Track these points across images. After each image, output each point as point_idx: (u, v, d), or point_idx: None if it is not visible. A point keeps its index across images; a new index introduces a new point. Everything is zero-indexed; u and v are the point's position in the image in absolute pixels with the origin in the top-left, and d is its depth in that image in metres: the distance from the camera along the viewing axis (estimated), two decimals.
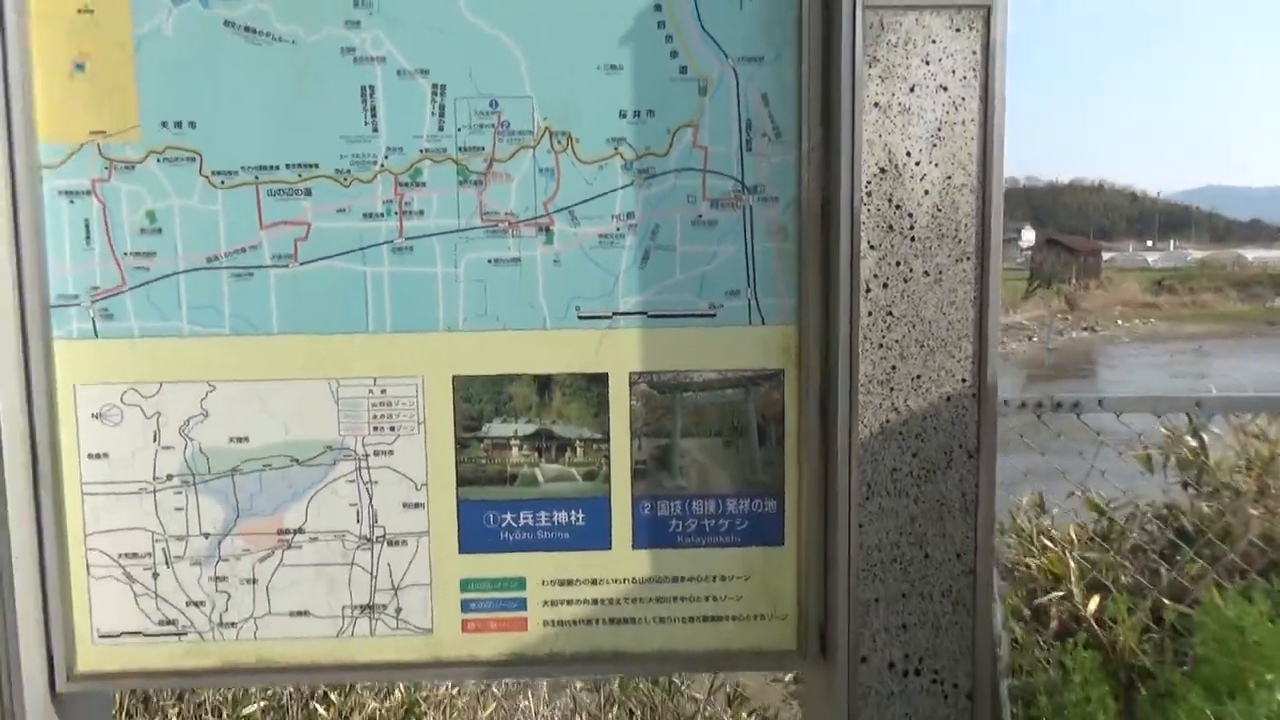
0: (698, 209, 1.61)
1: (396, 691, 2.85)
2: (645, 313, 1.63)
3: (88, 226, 1.61)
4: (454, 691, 3.06)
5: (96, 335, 1.63)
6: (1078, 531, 2.84)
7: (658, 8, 1.58)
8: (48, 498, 1.62)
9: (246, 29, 1.59)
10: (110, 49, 1.59)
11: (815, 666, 1.69)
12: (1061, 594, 2.64)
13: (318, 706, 2.76)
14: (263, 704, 2.81)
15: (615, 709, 3.03)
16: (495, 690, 3.08)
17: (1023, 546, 3.02)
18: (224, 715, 2.75)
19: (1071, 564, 2.66)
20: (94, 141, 1.60)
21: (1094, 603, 2.65)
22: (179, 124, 1.60)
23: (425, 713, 2.89)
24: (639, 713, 2.94)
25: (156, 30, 1.58)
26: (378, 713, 2.87)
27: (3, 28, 1.54)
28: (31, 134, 1.58)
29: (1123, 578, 2.68)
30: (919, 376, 1.56)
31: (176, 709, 2.77)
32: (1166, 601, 2.64)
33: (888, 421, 1.57)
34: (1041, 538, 2.97)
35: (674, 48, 1.59)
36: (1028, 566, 2.93)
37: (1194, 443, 2.78)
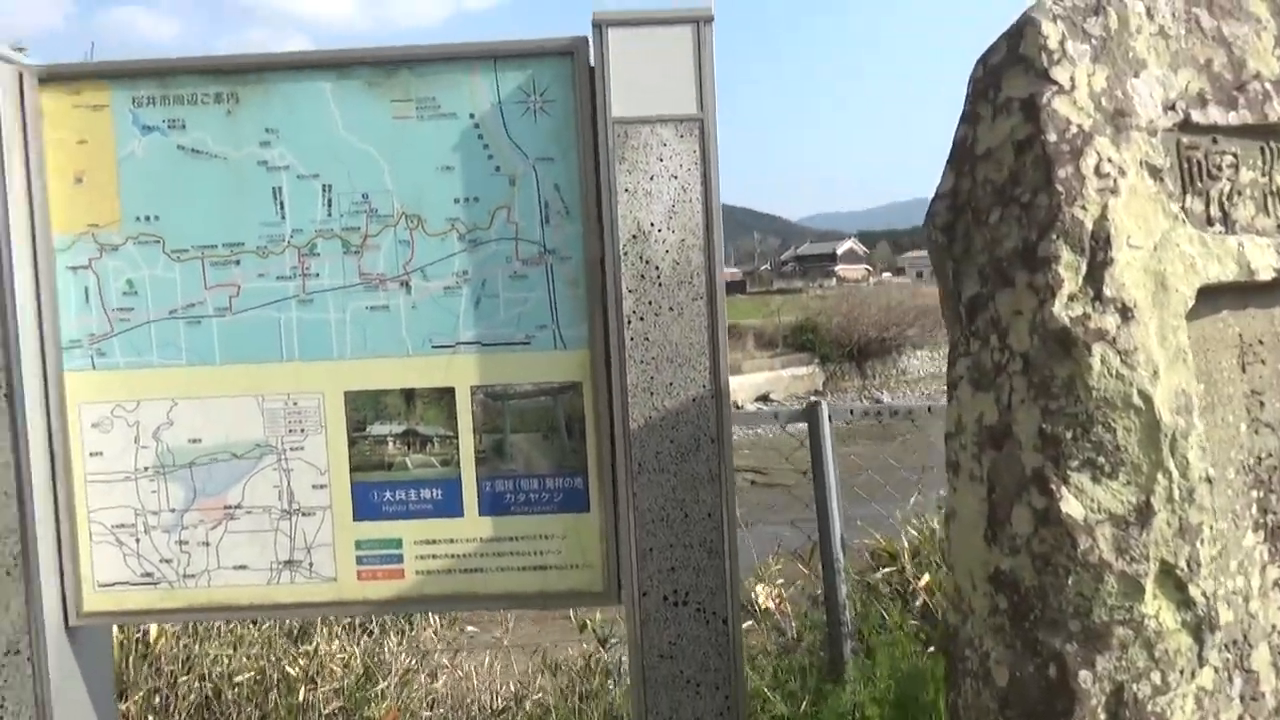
0: (513, 266, 2.23)
1: (354, 661, 3.47)
2: (480, 342, 2.24)
3: (86, 292, 2.28)
4: (411, 663, 3.68)
5: (94, 368, 2.29)
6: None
7: (476, 125, 2.20)
8: (62, 484, 2.27)
9: (193, 150, 2.25)
10: (100, 167, 2.26)
11: (615, 601, 2.27)
12: (896, 569, 3.18)
13: (290, 669, 3.38)
14: (251, 674, 3.45)
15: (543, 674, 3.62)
16: (444, 660, 3.69)
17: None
18: (221, 678, 3.40)
19: (905, 544, 3.20)
20: (90, 232, 2.27)
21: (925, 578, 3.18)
22: (148, 217, 2.26)
23: (382, 677, 3.50)
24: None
25: (132, 153, 2.25)
26: (343, 681, 3.48)
27: (27, 157, 2.22)
28: (47, 227, 2.26)
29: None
30: (671, 384, 2.15)
31: (186, 677, 3.42)
32: None
33: (650, 417, 2.16)
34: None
35: (490, 153, 2.21)
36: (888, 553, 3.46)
37: None
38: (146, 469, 2.30)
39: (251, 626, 3.57)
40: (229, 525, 2.29)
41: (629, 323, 2.14)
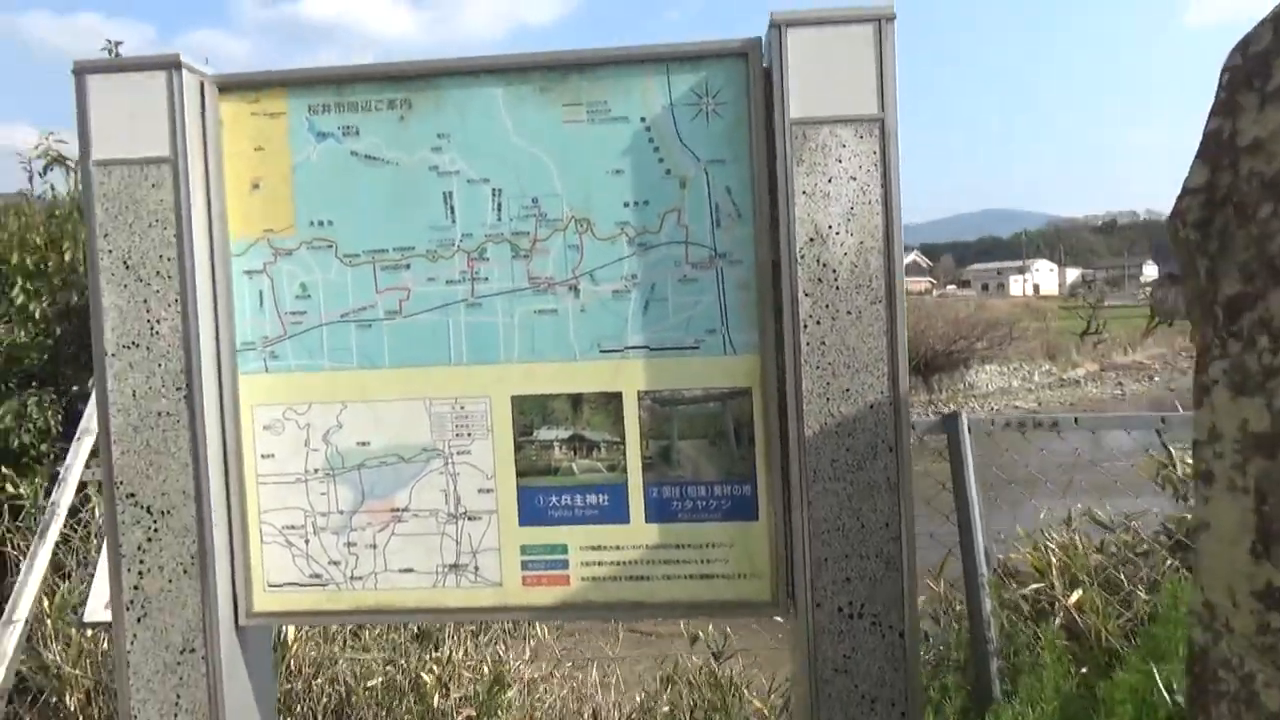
0: (683, 270, 2.20)
1: (485, 666, 3.47)
2: (648, 347, 2.22)
3: (261, 295, 2.32)
4: (535, 673, 3.67)
5: (267, 371, 2.32)
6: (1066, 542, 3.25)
7: (647, 128, 2.19)
8: (235, 486, 2.31)
9: (366, 156, 2.28)
10: (276, 174, 2.30)
11: (785, 612, 2.22)
12: (1043, 584, 3.07)
13: (424, 676, 3.40)
14: (382, 679, 3.48)
15: (669, 688, 3.58)
16: (558, 673, 3.67)
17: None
18: (352, 677, 3.43)
19: (1054, 561, 3.08)
20: (265, 237, 2.31)
21: (1075, 595, 3.06)
22: (321, 222, 2.30)
23: (510, 684, 3.50)
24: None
25: (306, 159, 2.29)
26: (473, 687, 3.49)
27: (206, 165, 2.27)
28: (224, 233, 2.31)
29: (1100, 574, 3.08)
30: (848, 390, 2.10)
31: (319, 680, 3.46)
32: (1141, 594, 3.03)
33: (825, 424, 2.11)
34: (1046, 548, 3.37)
35: (660, 156, 2.19)
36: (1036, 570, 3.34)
37: (1164, 455, 3.17)
38: (316, 471, 2.32)
39: (382, 631, 3.61)
40: (396, 528, 2.31)
41: (805, 327, 2.10)
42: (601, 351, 2.23)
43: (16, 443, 6.00)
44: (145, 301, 2.26)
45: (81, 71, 2.24)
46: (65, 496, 3.84)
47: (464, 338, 2.27)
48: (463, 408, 2.28)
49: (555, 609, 2.28)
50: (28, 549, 5.64)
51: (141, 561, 2.28)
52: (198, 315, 2.25)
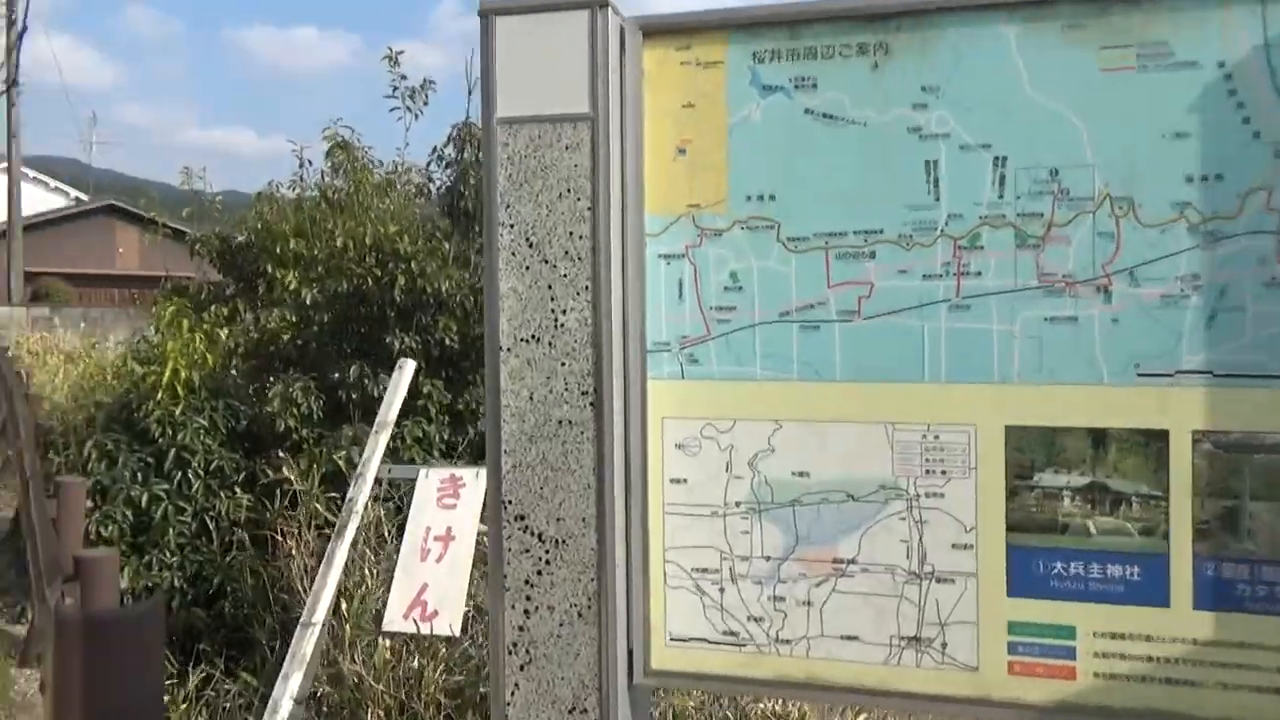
0: (1270, 270, 1.61)
1: None
2: (1211, 372, 1.64)
3: (680, 285, 1.90)
4: None
5: (683, 377, 1.90)
6: None
7: (1228, 77, 1.61)
8: (637, 514, 1.90)
9: (824, 115, 1.81)
10: (707, 136, 1.88)
11: None
12: None
13: None
14: None
15: None
16: None
17: None
18: None
19: None
20: (690, 214, 1.89)
21: None
22: (761, 197, 1.85)
23: None
24: None
25: (746, 119, 1.85)
26: None
27: (623, 125, 1.87)
28: (640, 207, 1.90)
29: None
30: None
31: None
32: None
33: None
34: None
35: (1245, 114, 1.61)
36: None
37: None
38: (738, 504, 1.88)
39: None
40: (838, 583, 1.83)
41: None
42: (1140, 375, 1.67)
43: (282, 426, 6.04)
44: (550, 287, 1.88)
45: (488, 13, 1.89)
46: (363, 493, 3.64)
47: (944, 348, 1.76)
48: (937, 437, 1.77)
49: (1053, 709, 1.73)
50: (296, 534, 5.64)
51: (529, 598, 1.91)
52: (613, 307, 1.85)
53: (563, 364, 1.88)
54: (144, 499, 5.76)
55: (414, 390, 6.18)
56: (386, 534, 4.84)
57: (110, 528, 5.66)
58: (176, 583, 5.82)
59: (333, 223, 6.68)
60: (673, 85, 1.89)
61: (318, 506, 5.31)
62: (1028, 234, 1.72)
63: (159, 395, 5.96)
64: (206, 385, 6.26)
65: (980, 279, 1.74)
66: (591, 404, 1.87)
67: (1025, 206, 1.72)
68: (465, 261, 6.33)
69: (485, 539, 4.45)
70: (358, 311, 6.36)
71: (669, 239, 1.90)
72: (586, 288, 1.86)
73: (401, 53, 6.68)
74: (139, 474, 5.89)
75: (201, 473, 5.96)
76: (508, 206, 1.90)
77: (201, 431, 6.01)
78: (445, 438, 6.37)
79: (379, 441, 3.78)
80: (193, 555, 5.90)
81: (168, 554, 5.82)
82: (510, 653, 1.92)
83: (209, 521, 5.94)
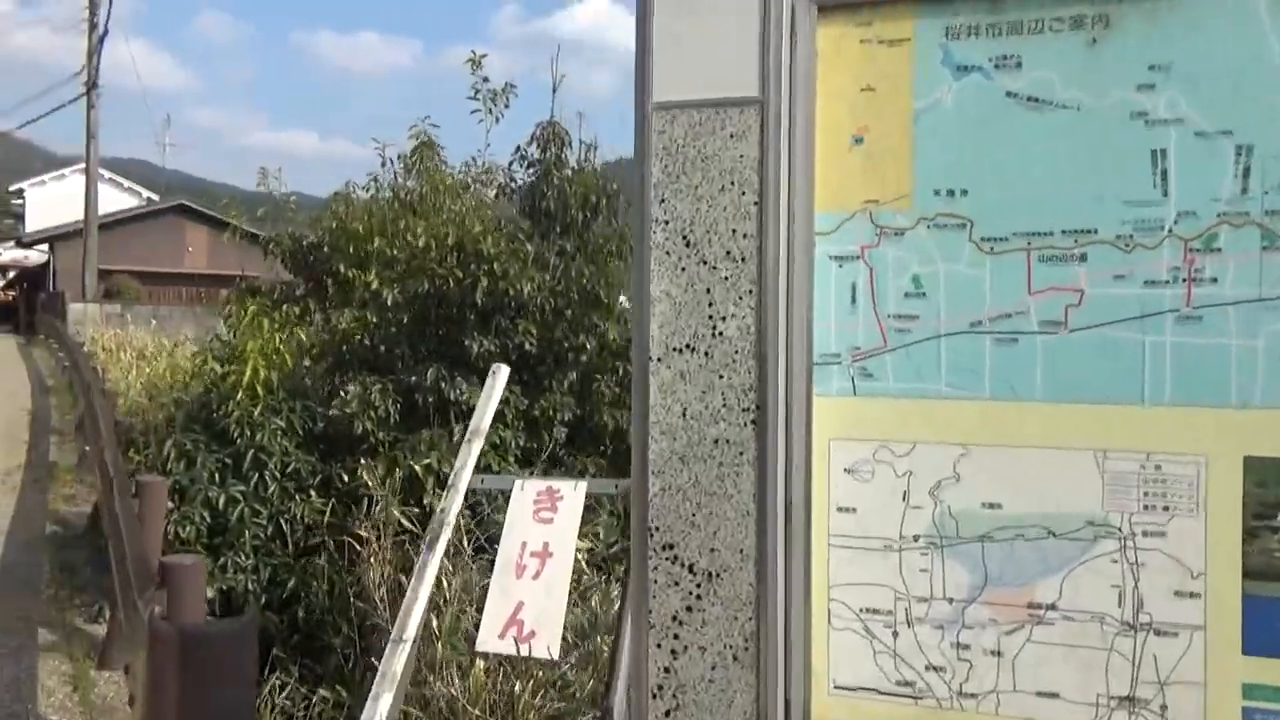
0: None
1: None
2: None
3: (853, 290, 1.69)
4: None
5: (855, 393, 1.70)
6: None
7: None
8: (799, 547, 1.70)
9: (1029, 98, 1.60)
10: (889, 123, 1.67)
11: None
12: None
13: None
14: None
15: None
16: None
17: None
18: None
19: None
20: (866, 209, 1.68)
21: None
22: (950, 192, 1.64)
23: None
24: None
25: (936, 103, 1.64)
26: None
27: (792, 110, 1.67)
28: (809, 202, 1.70)
29: None
30: None
31: None
32: None
33: None
34: None
35: None
36: None
37: None
38: (916, 538, 1.66)
39: None
40: (1035, 631, 1.60)
41: None
42: None
43: (360, 429, 5.95)
44: (709, 291, 1.69)
45: None
46: (455, 504, 3.49)
47: (1170, 365, 1.53)
48: (1159, 468, 1.54)
49: None
50: (372, 541, 5.53)
51: (677, 637, 1.72)
52: (778, 312, 1.66)
53: (721, 376, 1.69)
54: (221, 500, 5.71)
55: None
56: (464, 543, 4.70)
57: (188, 528, 5.61)
58: (250, 586, 5.76)
59: (406, 223, 6.59)
60: (850, 66, 1.69)
61: (395, 513, 5.20)
62: (1277, 234, 1.48)
63: (238, 395, 5.91)
64: (284, 386, 6.20)
65: (1216, 286, 1.51)
66: (753, 422, 1.67)
67: (1274, 203, 1.48)
68: (545, 264, 6.19)
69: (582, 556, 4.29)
70: (436, 313, 6.26)
71: (841, 238, 1.70)
72: (750, 291, 1.67)
73: (485, 56, 6.59)
74: (216, 475, 5.85)
75: (278, 475, 5.89)
76: (662, 201, 1.71)
77: (279, 433, 5.95)
78: (521, 444, 6.23)
79: (472, 450, 3.62)
80: (267, 559, 5.83)
81: (243, 557, 5.76)
82: (655, 697, 1.73)
83: (284, 525, 5.88)
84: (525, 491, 3.52)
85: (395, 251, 6.35)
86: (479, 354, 5.94)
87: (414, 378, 6.16)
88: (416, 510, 5.52)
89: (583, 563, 3.96)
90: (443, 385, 6.01)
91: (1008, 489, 1.62)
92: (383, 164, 7.15)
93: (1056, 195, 1.58)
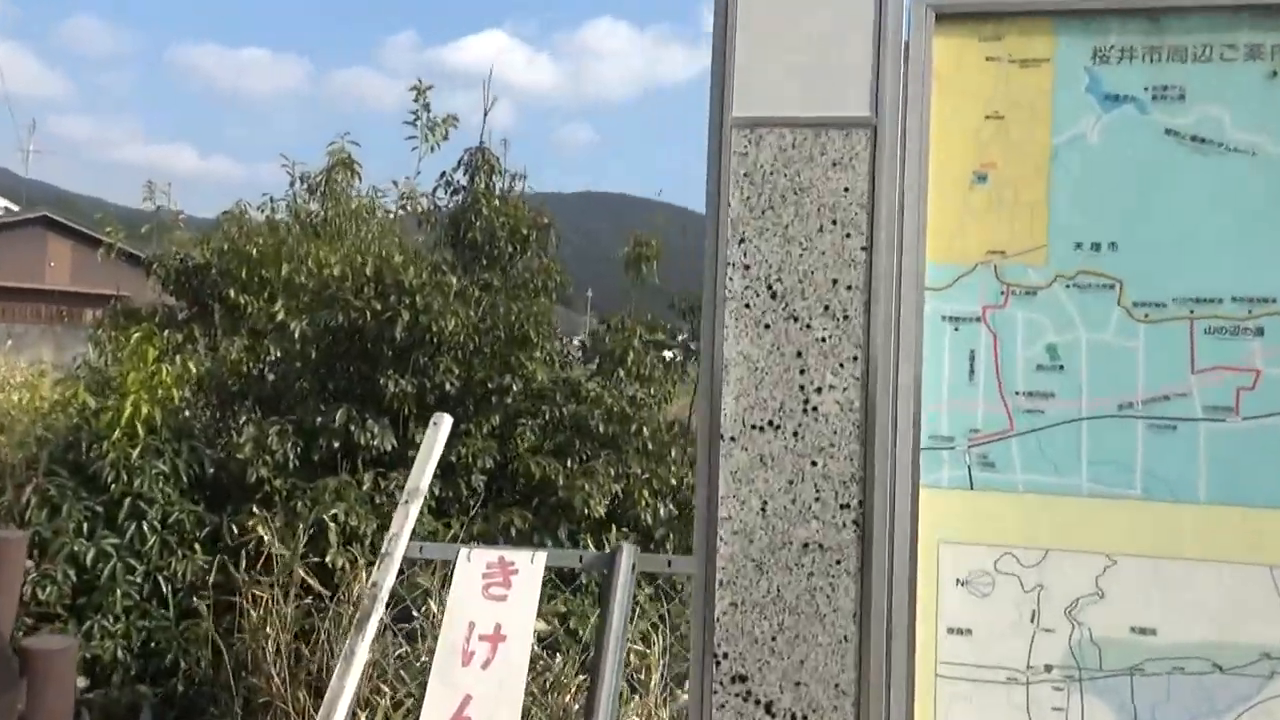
0: None
1: None
2: None
3: (973, 359, 1.38)
4: None
5: (972, 486, 1.38)
6: None
7: None
8: (901, 679, 1.36)
9: (1193, 137, 1.33)
10: (1020, 158, 1.38)
11: None
12: None
13: None
14: None
15: None
16: None
17: None
18: None
19: None
20: (990, 262, 1.38)
21: None
22: (1096, 245, 1.35)
23: None
24: None
25: (1079, 138, 1.36)
26: None
27: (903, 138, 1.37)
28: (919, 251, 1.38)
29: None
30: None
31: None
32: None
33: None
34: None
35: None
36: None
37: None
38: (1049, 668, 1.35)
39: None
40: None
41: None
42: None
43: (254, 476, 5.34)
44: (800, 355, 1.35)
45: None
46: (388, 577, 3.02)
47: None
48: None
49: None
50: (268, 603, 4.91)
51: None
52: (890, 384, 1.33)
53: (814, 463, 1.35)
54: (89, 555, 5.01)
55: (401, 439, 5.54)
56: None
57: (49, 589, 4.88)
58: (120, 655, 5.05)
59: (310, 249, 6.05)
60: (973, 88, 1.39)
61: (300, 572, 4.63)
62: None
63: (115, 434, 5.23)
64: (168, 424, 5.54)
65: None
66: (855, 522, 1.33)
67: None
68: (468, 298, 5.75)
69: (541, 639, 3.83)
70: (347, 348, 5.72)
71: (959, 295, 1.39)
72: (854, 358, 1.34)
73: (430, 88, 6.16)
74: (85, 525, 5.14)
75: (158, 526, 5.22)
76: (742, 241, 1.37)
77: (161, 478, 5.29)
78: (435, 493, 5.73)
79: (409, 513, 3.14)
80: (141, 622, 5.13)
81: (112, 620, 5.06)
82: None
83: (163, 583, 5.20)
84: (472, 563, 3.05)
85: (303, 279, 5.78)
86: (394, 394, 5.42)
87: (319, 419, 5.58)
88: (318, 568, 4.93)
89: (539, 649, 3.52)
90: (352, 428, 5.46)
91: (1163, 611, 1.32)
92: (291, 183, 6.57)
93: (1227, 255, 1.32)
